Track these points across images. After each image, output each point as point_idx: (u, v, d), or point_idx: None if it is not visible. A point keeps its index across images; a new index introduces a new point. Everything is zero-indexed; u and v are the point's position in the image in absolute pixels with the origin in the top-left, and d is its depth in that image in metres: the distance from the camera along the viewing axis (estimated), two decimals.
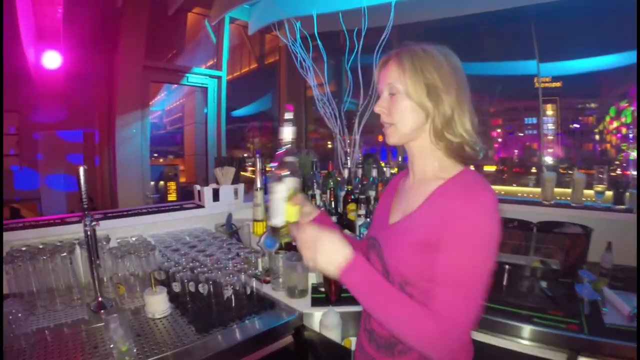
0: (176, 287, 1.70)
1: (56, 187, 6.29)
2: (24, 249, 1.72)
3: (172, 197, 6.94)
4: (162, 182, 6.86)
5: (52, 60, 4.38)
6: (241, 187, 2.60)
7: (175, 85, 8.27)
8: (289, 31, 3.19)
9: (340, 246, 0.95)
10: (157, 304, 1.62)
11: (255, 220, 2.35)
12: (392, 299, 0.93)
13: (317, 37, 3.14)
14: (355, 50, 3.03)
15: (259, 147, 9.61)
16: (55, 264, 1.72)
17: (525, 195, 3.97)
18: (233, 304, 1.66)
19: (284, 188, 1.08)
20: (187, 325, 1.54)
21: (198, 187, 2.54)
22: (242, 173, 2.83)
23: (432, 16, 3.27)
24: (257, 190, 2.32)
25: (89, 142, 6.95)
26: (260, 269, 2.01)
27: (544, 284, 1.81)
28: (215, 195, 2.49)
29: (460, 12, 3.14)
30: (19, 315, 1.44)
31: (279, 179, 1.07)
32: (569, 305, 1.67)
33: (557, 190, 2.50)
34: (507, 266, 1.86)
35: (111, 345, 1.32)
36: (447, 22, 3.22)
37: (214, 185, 2.51)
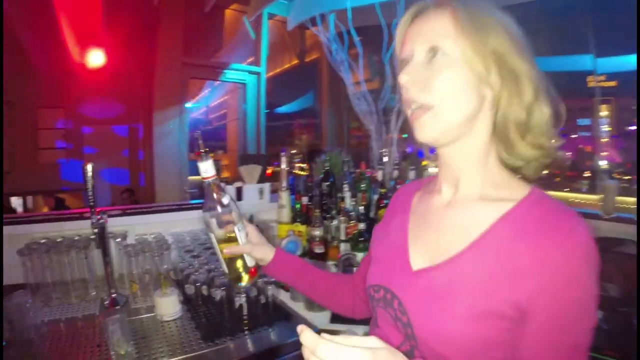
0: (189, 289, 1.63)
1: (102, 179, 6.53)
2: (42, 241, 1.73)
3: None
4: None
5: (95, 58, 4.50)
6: (267, 186, 2.50)
7: (218, 82, 8.39)
8: (321, 25, 3.07)
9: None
10: (167, 306, 1.55)
11: (279, 223, 2.25)
12: None
13: (354, 32, 3.00)
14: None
15: (306, 143, 9.47)
16: (72, 257, 1.72)
17: (577, 201, 3.66)
18: (244, 313, 1.54)
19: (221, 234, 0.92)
20: (193, 331, 1.46)
21: (222, 185, 2.45)
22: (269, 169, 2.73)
23: None
24: (282, 190, 2.21)
25: (133, 137, 7.20)
26: None
27: (599, 314, 1.56)
28: (239, 195, 2.39)
29: (508, 1, 2.90)
30: (28, 305, 1.43)
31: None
32: (627, 343, 1.36)
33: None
34: None
35: (110, 347, 1.26)
36: None
37: (238, 184, 2.42)
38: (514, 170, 0.72)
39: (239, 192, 2.39)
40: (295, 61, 8.12)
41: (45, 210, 5.95)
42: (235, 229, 0.94)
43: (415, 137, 0.71)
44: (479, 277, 0.63)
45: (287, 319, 1.57)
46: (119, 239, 1.81)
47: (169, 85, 5.28)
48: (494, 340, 0.62)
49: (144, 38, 5.10)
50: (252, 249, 0.97)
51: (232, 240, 0.94)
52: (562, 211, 0.63)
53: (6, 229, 1.85)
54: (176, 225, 2.19)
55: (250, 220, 2.25)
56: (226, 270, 0.98)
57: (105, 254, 1.62)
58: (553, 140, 0.68)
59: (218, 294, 1.56)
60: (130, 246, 1.78)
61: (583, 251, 0.59)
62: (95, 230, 1.56)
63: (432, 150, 0.76)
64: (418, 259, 0.73)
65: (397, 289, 0.73)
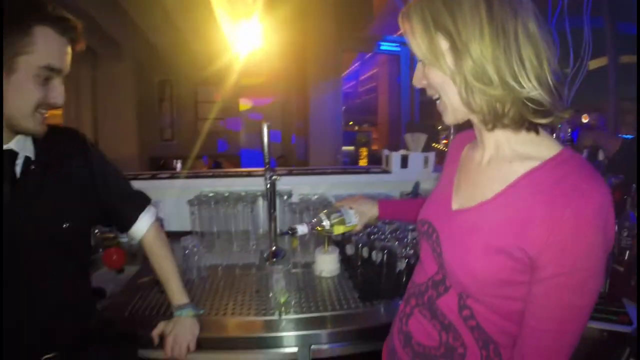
0: (350, 249, 1.67)
1: (254, 147, 7.06)
2: (211, 194, 1.92)
3: (362, 162, 7.20)
4: (353, 148, 7.14)
5: (251, 37, 4.69)
6: (432, 155, 2.35)
7: (368, 55, 8.37)
8: None
9: None
10: (327, 263, 1.60)
11: None
12: None
13: None
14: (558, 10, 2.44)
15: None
16: (238, 211, 1.88)
17: None
18: (404, 279, 1.51)
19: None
20: (351, 290, 1.48)
21: (386, 151, 2.42)
22: (434, 145, 2.56)
23: None
24: None
25: (287, 110, 7.57)
26: None
27: None
28: (404, 162, 2.32)
29: None
30: (195, 249, 1.61)
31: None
32: None
33: None
34: None
35: (270, 294, 1.36)
36: None
37: (403, 152, 2.34)
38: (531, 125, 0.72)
39: (404, 160, 2.32)
40: None
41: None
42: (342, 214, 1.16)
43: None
44: (497, 220, 0.72)
45: None
46: (284, 197, 1.92)
47: (323, 57, 5.35)
48: (506, 280, 0.70)
49: (296, 13, 5.18)
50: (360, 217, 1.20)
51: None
52: (584, 173, 0.66)
53: (178, 183, 2.17)
54: (339, 188, 2.23)
55: (416, 186, 2.12)
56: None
57: (273, 209, 1.70)
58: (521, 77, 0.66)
59: (379, 256, 1.55)
60: (294, 204, 1.88)
61: (594, 215, 0.62)
62: (268, 186, 1.65)
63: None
64: (457, 202, 0.84)
65: (438, 224, 0.85)
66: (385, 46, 6.14)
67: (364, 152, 7.31)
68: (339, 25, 5.37)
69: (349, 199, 1.23)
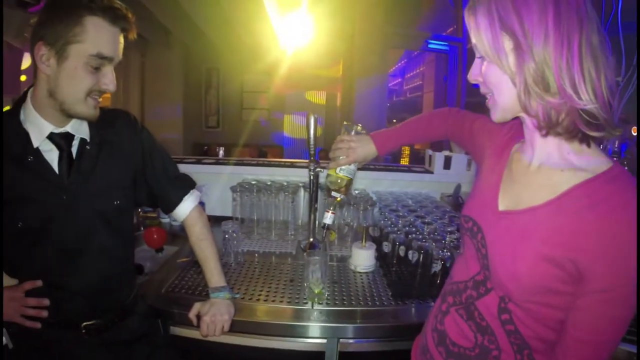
0: (386, 247, 1.66)
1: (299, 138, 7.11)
2: (253, 182, 1.96)
3: (404, 161, 7.10)
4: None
5: (299, 28, 4.73)
6: None
7: (415, 53, 8.22)
8: None
9: None
10: (363, 258, 1.60)
11: None
12: None
13: None
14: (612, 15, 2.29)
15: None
16: (279, 200, 1.90)
17: None
18: (438, 280, 1.49)
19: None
20: (385, 287, 1.48)
21: (430, 151, 2.38)
22: None
23: None
24: None
25: (330, 104, 7.58)
26: None
27: None
28: (447, 163, 2.28)
29: None
30: (234, 234, 1.65)
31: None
32: None
33: None
34: None
35: (305, 284, 1.37)
36: None
37: (446, 153, 2.31)
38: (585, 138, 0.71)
39: (447, 161, 2.29)
40: None
41: None
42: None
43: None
44: (549, 228, 0.70)
45: None
46: (325, 191, 1.86)
47: (370, 53, 5.30)
48: (551, 288, 0.71)
49: (344, 7, 5.15)
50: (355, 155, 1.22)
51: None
52: (633, 190, 0.65)
53: (222, 169, 2.23)
54: (380, 184, 2.24)
55: (457, 189, 2.09)
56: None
57: (315, 200, 1.73)
58: (586, 90, 0.65)
59: (414, 256, 1.54)
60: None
61: None
62: (311, 177, 1.68)
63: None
64: (504, 203, 0.81)
65: (484, 225, 0.83)
66: (433, 44, 6.01)
67: (406, 150, 7.22)
68: (387, 19, 5.30)
69: (343, 144, 1.23)
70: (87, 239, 1.04)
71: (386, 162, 4.54)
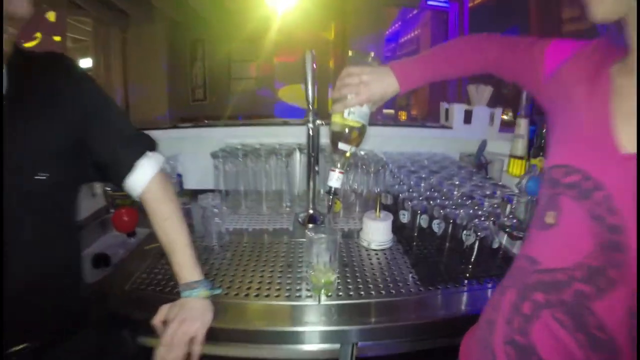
0: (404, 217, 1.39)
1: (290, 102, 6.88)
2: (238, 147, 1.64)
3: None
4: (392, 111, 6.88)
5: None
6: (498, 112, 1.96)
7: (410, 15, 7.88)
8: None
9: None
10: (378, 233, 1.29)
11: (512, 157, 1.71)
12: None
13: None
14: None
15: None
16: (270, 166, 1.60)
17: None
18: (473, 257, 1.19)
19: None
20: (408, 268, 1.17)
21: (446, 104, 2.05)
22: None
23: None
24: (521, 117, 1.66)
25: (322, 71, 7.26)
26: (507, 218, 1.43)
27: None
28: (467, 117, 1.95)
29: None
30: (215, 210, 1.32)
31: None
32: None
33: None
34: None
35: (311, 272, 1.03)
36: None
37: (466, 106, 1.97)
38: None
39: (467, 115, 1.96)
40: None
41: None
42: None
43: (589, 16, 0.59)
44: None
45: None
46: (326, 151, 1.61)
47: (363, 13, 5.15)
48: None
49: None
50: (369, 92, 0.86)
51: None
52: None
53: (200, 132, 1.91)
54: (390, 143, 1.90)
55: (482, 146, 1.78)
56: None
57: (315, 162, 1.43)
58: None
59: (441, 227, 1.26)
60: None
61: None
62: (311, 132, 1.38)
63: None
64: (627, 143, 0.54)
65: (604, 177, 0.55)
66: (433, 1, 5.68)
67: (402, 115, 6.97)
68: None
69: (352, 79, 0.87)
70: (6, 227, 0.70)
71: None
